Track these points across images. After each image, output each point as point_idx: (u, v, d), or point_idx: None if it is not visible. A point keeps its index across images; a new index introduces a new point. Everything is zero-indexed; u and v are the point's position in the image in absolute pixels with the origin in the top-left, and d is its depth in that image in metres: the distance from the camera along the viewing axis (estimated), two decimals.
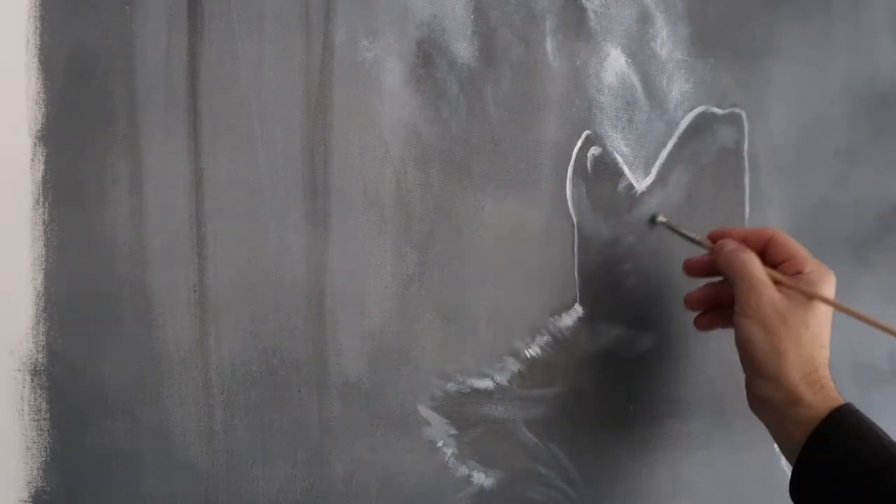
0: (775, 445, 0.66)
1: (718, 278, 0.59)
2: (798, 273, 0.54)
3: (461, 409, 0.56)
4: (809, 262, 0.55)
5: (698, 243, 0.60)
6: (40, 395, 0.46)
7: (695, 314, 0.61)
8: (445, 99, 0.56)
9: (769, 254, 0.56)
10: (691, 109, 0.64)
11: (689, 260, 0.60)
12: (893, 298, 0.73)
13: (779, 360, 0.52)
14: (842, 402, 0.52)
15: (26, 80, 0.46)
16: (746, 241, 0.57)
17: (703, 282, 0.60)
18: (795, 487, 0.52)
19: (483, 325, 0.57)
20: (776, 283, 0.54)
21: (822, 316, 0.53)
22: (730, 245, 0.56)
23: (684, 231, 0.61)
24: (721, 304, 0.58)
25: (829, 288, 0.54)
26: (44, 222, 0.46)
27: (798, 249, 0.56)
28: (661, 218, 0.62)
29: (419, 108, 0.55)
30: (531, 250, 0.58)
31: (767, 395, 0.53)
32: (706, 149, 0.65)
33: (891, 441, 0.51)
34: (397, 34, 0.54)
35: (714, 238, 0.59)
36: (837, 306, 0.54)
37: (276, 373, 0.51)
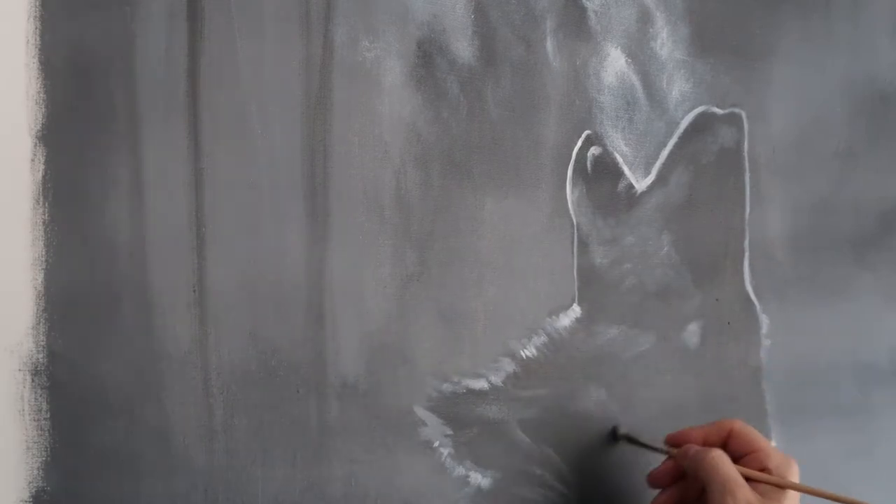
0: (772, 444, 0.67)
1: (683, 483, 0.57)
2: (764, 468, 0.54)
3: (456, 410, 0.56)
4: (773, 455, 0.54)
5: (660, 451, 0.58)
6: (41, 395, 0.46)
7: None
8: (445, 99, 0.56)
9: (731, 447, 0.56)
10: (691, 109, 0.64)
11: (653, 472, 0.58)
12: (893, 299, 0.73)
13: None
14: None
15: (26, 80, 0.46)
16: (708, 440, 0.56)
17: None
18: None
19: (481, 325, 0.57)
20: (747, 479, 0.53)
21: None
22: (693, 448, 0.55)
23: (644, 441, 0.60)
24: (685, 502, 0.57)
25: (796, 477, 0.54)
26: (44, 222, 0.46)
27: (760, 441, 0.55)
28: (622, 430, 0.61)
29: (419, 108, 0.55)
30: (531, 250, 0.58)
31: None
32: (706, 149, 0.65)
33: None
34: (397, 34, 0.54)
35: (672, 442, 0.58)
36: (813, 492, 0.53)
37: (276, 373, 0.51)
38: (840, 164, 0.71)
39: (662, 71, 0.63)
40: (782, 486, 0.52)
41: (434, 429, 0.55)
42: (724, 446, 0.56)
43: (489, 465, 0.57)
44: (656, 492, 0.58)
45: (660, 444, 0.59)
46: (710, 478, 0.53)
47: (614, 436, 0.61)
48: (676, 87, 0.63)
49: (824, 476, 0.67)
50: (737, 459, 0.55)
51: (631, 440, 0.60)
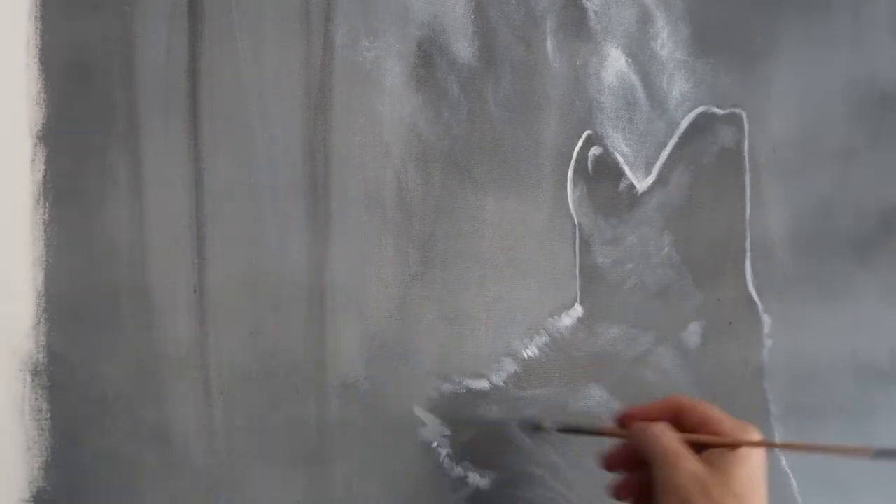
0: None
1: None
2: (716, 434, 0.49)
3: (456, 410, 0.56)
4: (726, 421, 0.49)
5: (605, 434, 0.54)
6: (41, 395, 0.46)
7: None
8: (446, 99, 0.56)
9: (684, 421, 0.51)
10: (692, 109, 0.64)
11: (607, 455, 0.53)
12: (894, 299, 0.73)
13: None
14: None
15: (26, 80, 0.46)
16: (655, 418, 0.51)
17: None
18: None
19: (482, 325, 0.57)
20: (695, 445, 0.49)
21: (752, 480, 0.47)
22: (638, 424, 0.51)
23: (583, 427, 0.55)
24: (650, 488, 0.51)
25: (753, 437, 0.49)
26: (44, 222, 0.46)
27: (712, 411, 0.50)
28: (548, 424, 0.57)
29: (420, 108, 0.55)
30: (532, 250, 0.58)
31: None
32: (707, 149, 0.65)
33: None
34: (398, 34, 0.54)
35: (620, 421, 0.53)
36: (765, 444, 0.49)
37: (276, 373, 0.51)
38: (840, 164, 0.71)
39: (663, 71, 0.63)
40: (733, 445, 0.48)
41: (433, 429, 0.55)
42: (676, 422, 0.51)
43: (489, 466, 0.57)
44: None
45: (596, 427, 0.55)
46: (653, 452, 0.49)
47: (538, 428, 0.57)
48: (677, 88, 0.63)
49: (825, 476, 0.67)
50: (690, 431, 0.50)
51: (563, 430, 0.56)
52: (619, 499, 0.53)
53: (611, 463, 0.53)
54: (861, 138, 0.71)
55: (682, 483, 0.47)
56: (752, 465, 0.48)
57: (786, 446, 0.49)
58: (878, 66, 0.72)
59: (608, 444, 0.54)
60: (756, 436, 0.49)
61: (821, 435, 0.68)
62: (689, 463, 0.47)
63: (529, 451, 0.58)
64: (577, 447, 0.60)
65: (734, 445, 0.48)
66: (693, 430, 0.50)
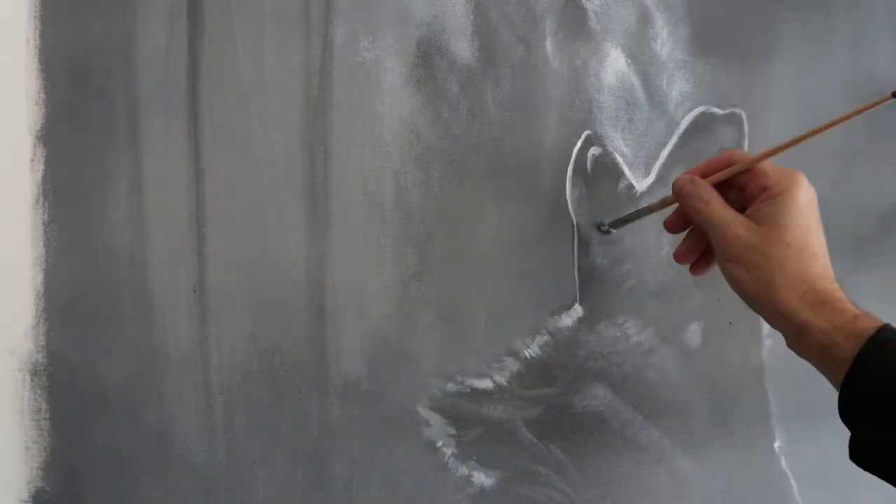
0: (776, 444, 0.67)
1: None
2: (764, 189, 0.50)
3: (460, 409, 0.56)
4: (771, 174, 0.50)
5: (655, 209, 0.56)
6: (40, 395, 0.46)
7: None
8: (445, 99, 0.56)
9: (734, 179, 0.52)
10: (691, 109, 0.64)
11: (667, 220, 0.55)
12: (894, 299, 0.73)
13: (768, 292, 0.48)
14: (851, 313, 0.47)
15: (26, 80, 0.46)
16: (708, 174, 0.52)
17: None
18: (843, 412, 0.49)
19: (483, 325, 0.57)
20: (714, 184, 0.50)
21: (803, 225, 0.49)
22: (686, 188, 0.51)
23: (634, 213, 0.58)
24: (709, 246, 0.53)
25: (800, 190, 0.49)
26: (44, 222, 0.46)
27: (760, 164, 0.51)
28: (607, 224, 0.59)
29: (419, 108, 0.55)
30: (531, 250, 0.58)
31: (778, 329, 0.49)
32: (706, 149, 0.65)
33: None
34: (397, 34, 0.54)
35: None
36: (778, 150, 0.50)
37: (276, 373, 0.51)
38: (840, 164, 0.71)
39: (662, 71, 0.63)
40: (750, 163, 0.49)
41: (437, 428, 0.55)
42: (728, 180, 0.52)
43: (493, 465, 0.57)
44: None
45: (646, 206, 0.57)
46: (702, 221, 0.50)
47: (600, 228, 0.60)
48: (676, 88, 0.63)
49: (826, 475, 0.67)
50: (743, 189, 0.51)
51: (620, 222, 0.59)
52: (683, 262, 0.55)
53: (670, 226, 0.55)
54: (861, 138, 0.71)
55: (734, 248, 0.48)
56: (799, 211, 0.49)
57: (791, 144, 0.50)
58: (877, 66, 0.72)
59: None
60: (801, 184, 0.49)
61: (821, 435, 0.68)
62: (738, 229, 0.49)
63: (534, 451, 0.58)
64: (585, 446, 0.59)
65: (744, 171, 0.49)
66: (743, 185, 0.51)
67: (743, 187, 0.51)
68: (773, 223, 0.48)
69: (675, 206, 0.54)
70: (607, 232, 0.60)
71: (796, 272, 0.48)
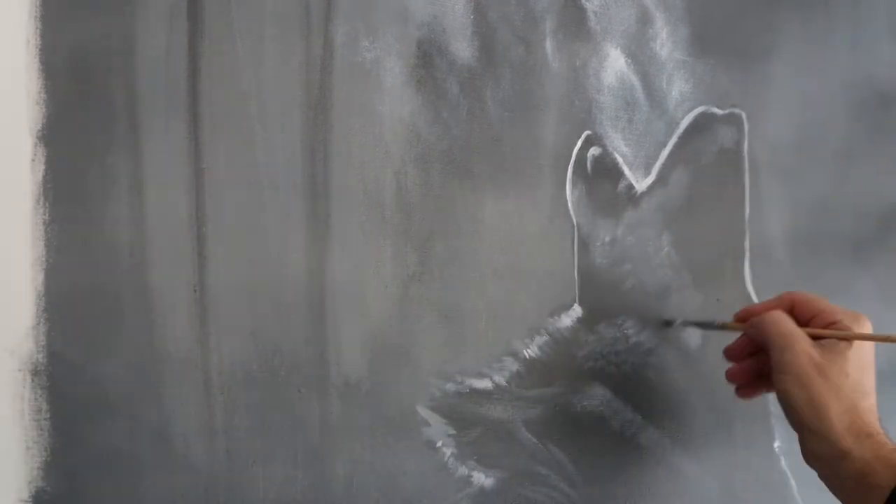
0: (775, 444, 0.67)
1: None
2: (831, 324, 0.53)
3: (460, 410, 0.56)
4: (839, 312, 0.54)
5: (726, 328, 0.59)
6: (40, 395, 0.46)
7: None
8: (445, 99, 0.56)
9: (797, 314, 0.55)
10: (691, 109, 0.64)
11: (728, 347, 0.58)
12: (893, 299, 0.73)
13: (820, 413, 0.50)
14: (891, 446, 0.50)
15: (27, 80, 0.46)
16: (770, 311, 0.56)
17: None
18: None
19: (483, 325, 0.57)
20: (810, 336, 0.53)
21: (863, 362, 0.52)
22: (758, 316, 0.55)
23: (708, 322, 0.60)
24: (762, 373, 0.57)
25: (866, 329, 0.53)
26: (44, 222, 0.46)
27: (824, 303, 0.55)
28: (678, 322, 0.62)
29: (419, 109, 0.55)
30: (531, 250, 0.58)
31: (817, 451, 0.51)
32: (706, 149, 0.65)
33: None
34: (397, 34, 0.54)
35: (739, 319, 0.58)
36: (875, 338, 0.53)
37: (277, 373, 0.51)
38: (840, 164, 0.71)
39: (662, 71, 0.63)
40: (843, 337, 0.52)
41: (437, 428, 0.55)
42: (790, 315, 0.55)
43: (493, 465, 0.57)
44: None
45: (718, 322, 0.60)
46: (770, 336, 0.53)
47: (668, 324, 0.62)
48: (676, 88, 0.63)
49: None
50: (806, 324, 0.54)
51: (690, 324, 0.61)
52: (734, 382, 0.58)
53: (731, 353, 0.58)
54: (860, 138, 0.72)
55: (798, 362, 0.51)
56: (862, 350, 0.52)
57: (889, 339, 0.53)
58: (876, 66, 0.72)
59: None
60: (867, 324, 0.53)
61: None
62: (805, 344, 0.52)
63: (534, 451, 0.58)
64: (585, 446, 0.60)
65: (844, 337, 0.52)
66: (807, 323, 0.54)
67: (806, 323, 0.54)
68: (837, 353, 0.51)
69: (740, 333, 0.58)
70: (668, 325, 0.62)
71: (849, 402, 0.50)
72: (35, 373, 0.46)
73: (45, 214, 0.46)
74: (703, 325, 0.61)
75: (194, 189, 0.49)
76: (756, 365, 0.57)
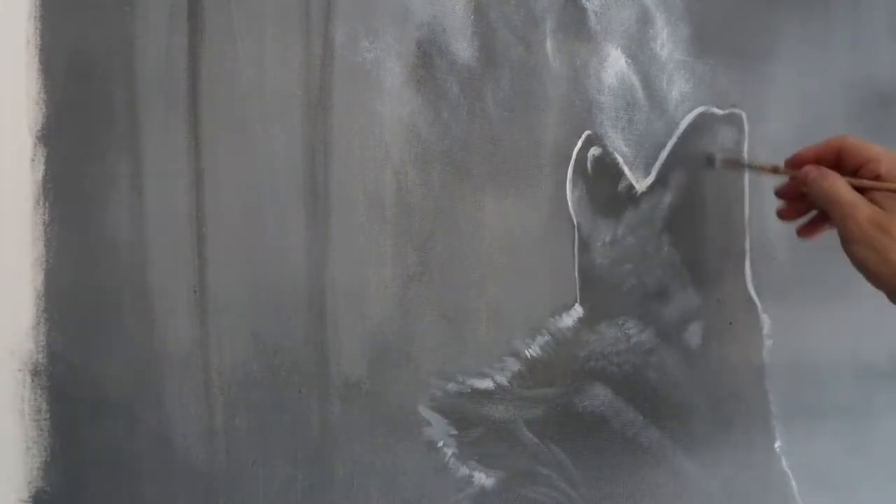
0: (776, 444, 0.67)
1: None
2: (877, 176, 0.54)
3: (461, 410, 0.56)
4: (885, 160, 0.54)
5: (777, 171, 0.59)
6: (41, 396, 0.46)
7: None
8: (445, 99, 0.56)
9: (844, 162, 0.56)
10: (691, 110, 0.64)
11: (780, 189, 0.59)
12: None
13: (893, 270, 0.51)
14: None
15: (26, 80, 0.46)
16: (821, 158, 0.57)
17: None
18: None
19: (483, 325, 0.56)
20: (864, 190, 0.53)
21: None
22: (812, 173, 0.55)
23: (753, 164, 0.60)
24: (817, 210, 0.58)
25: None
26: (44, 222, 0.46)
27: (870, 149, 0.55)
28: (719, 156, 0.60)
29: (419, 109, 0.55)
30: (531, 250, 0.58)
31: None
32: (706, 149, 0.65)
33: None
34: (397, 35, 0.54)
35: (790, 165, 0.58)
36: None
37: (277, 373, 0.51)
38: None
39: (662, 71, 0.63)
40: (890, 190, 0.52)
41: (438, 428, 0.55)
42: (838, 162, 0.56)
43: (494, 465, 0.57)
44: None
45: (767, 165, 0.59)
46: (830, 204, 0.53)
47: (711, 162, 0.61)
48: (676, 88, 0.63)
49: (826, 475, 0.67)
50: (852, 173, 0.55)
51: (731, 165, 0.60)
52: (785, 219, 0.60)
53: (783, 194, 0.59)
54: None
55: (862, 228, 0.52)
56: None
57: None
58: (877, 66, 0.72)
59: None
60: None
61: (821, 435, 0.68)
62: (865, 209, 0.52)
63: (535, 451, 0.58)
64: (586, 446, 0.59)
65: (891, 190, 0.52)
66: (855, 170, 0.55)
67: (854, 171, 0.55)
68: (893, 208, 0.52)
69: (786, 179, 0.59)
70: (711, 164, 0.61)
71: None
72: (35, 373, 0.46)
73: (45, 214, 0.46)
74: (751, 168, 0.60)
75: (194, 189, 0.49)
76: (809, 203, 0.58)
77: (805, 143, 0.69)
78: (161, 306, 0.48)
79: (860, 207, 0.52)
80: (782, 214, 0.60)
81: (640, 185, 0.62)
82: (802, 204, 0.58)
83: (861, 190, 0.53)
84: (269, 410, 0.50)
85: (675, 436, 0.64)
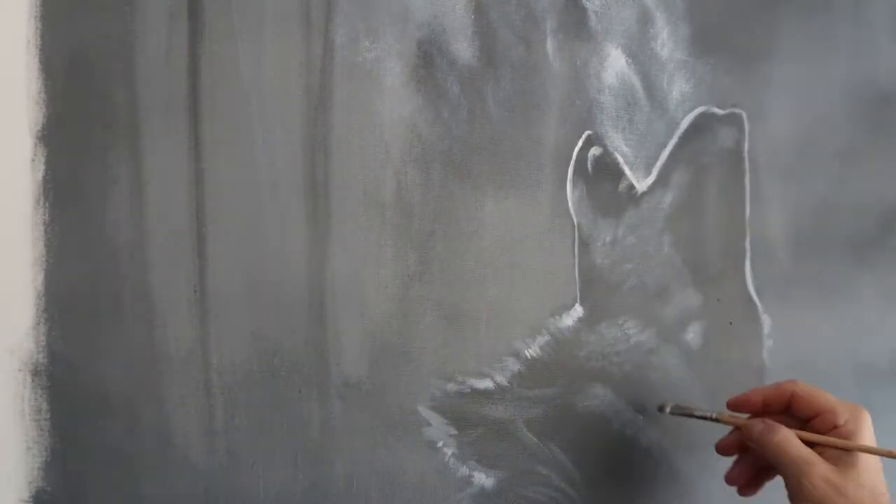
0: None
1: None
2: (834, 428, 0.52)
3: (461, 410, 0.56)
4: (839, 412, 0.52)
5: (719, 421, 0.57)
6: (41, 396, 0.46)
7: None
8: (446, 99, 0.56)
9: (795, 410, 0.54)
10: (692, 109, 0.64)
11: (720, 443, 0.57)
12: (893, 299, 0.73)
13: None
14: None
15: (26, 80, 0.46)
16: (769, 407, 0.55)
17: None
18: None
19: (483, 325, 0.57)
20: (815, 445, 0.51)
21: (872, 464, 0.51)
22: (757, 427, 0.53)
23: (699, 413, 0.57)
24: (761, 466, 0.56)
25: (868, 430, 0.52)
26: (44, 222, 0.46)
27: (823, 399, 0.53)
28: (668, 409, 0.59)
29: (419, 109, 0.55)
30: (531, 250, 0.58)
31: None
32: (707, 149, 0.65)
33: None
34: (398, 34, 0.54)
35: (734, 408, 0.57)
36: (880, 452, 0.51)
37: (277, 373, 0.51)
38: (840, 164, 0.71)
39: (663, 71, 0.63)
40: (851, 449, 0.50)
41: (438, 428, 0.55)
42: (788, 409, 0.54)
43: (494, 465, 0.57)
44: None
45: (712, 413, 0.57)
46: (781, 461, 0.51)
47: (660, 410, 0.59)
48: (677, 88, 0.63)
49: None
50: (804, 423, 0.53)
51: (679, 412, 0.58)
52: (732, 484, 0.57)
53: (724, 450, 0.57)
54: (861, 138, 0.72)
55: (817, 488, 0.49)
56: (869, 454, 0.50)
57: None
58: (877, 66, 0.72)
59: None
60: (868, 423, 0.51)
61: None
62: (820, 467, 0.50)
63: (535, 451, 0.58)
64: (586, 446, 0.59)
65: (851, 449, 0.50)
66: (806, 420, 0.52)
67: (806, 421, 0.53)
68: (850, 465, 0.50)
69: (731, 429, 0.56)
70: (661, 410, 0.60)
71: None
72: (35, 373, 0.46)
73: (45, 214, 0.46)
74: (698, 416, 0.58)
75: (194, 189, 0.49)
76: (752, 464, 0.56)
77: (806, 142, 0.69)
78: (161, 306, 0.48)
79: (815, 466, 0.50)
80: (732, 479, 0.57)
81: (641, 185, 0.62)
82: (748, 457, 0.56)
83: (810, 443, 0.51)
84: (269, 410, 0.51)
85: (676, 436, 0.64)
